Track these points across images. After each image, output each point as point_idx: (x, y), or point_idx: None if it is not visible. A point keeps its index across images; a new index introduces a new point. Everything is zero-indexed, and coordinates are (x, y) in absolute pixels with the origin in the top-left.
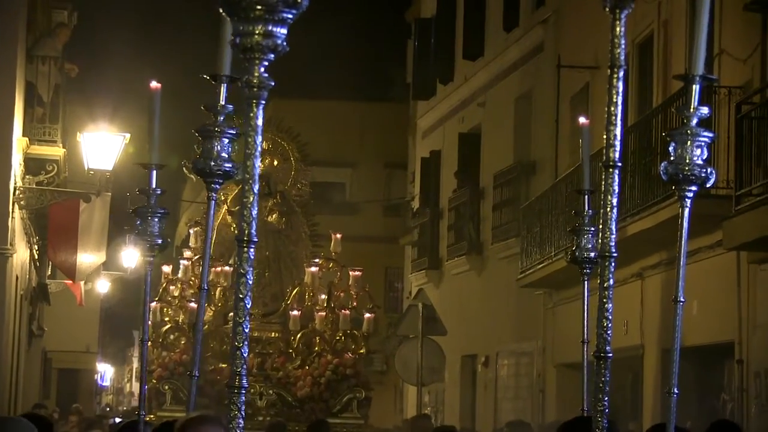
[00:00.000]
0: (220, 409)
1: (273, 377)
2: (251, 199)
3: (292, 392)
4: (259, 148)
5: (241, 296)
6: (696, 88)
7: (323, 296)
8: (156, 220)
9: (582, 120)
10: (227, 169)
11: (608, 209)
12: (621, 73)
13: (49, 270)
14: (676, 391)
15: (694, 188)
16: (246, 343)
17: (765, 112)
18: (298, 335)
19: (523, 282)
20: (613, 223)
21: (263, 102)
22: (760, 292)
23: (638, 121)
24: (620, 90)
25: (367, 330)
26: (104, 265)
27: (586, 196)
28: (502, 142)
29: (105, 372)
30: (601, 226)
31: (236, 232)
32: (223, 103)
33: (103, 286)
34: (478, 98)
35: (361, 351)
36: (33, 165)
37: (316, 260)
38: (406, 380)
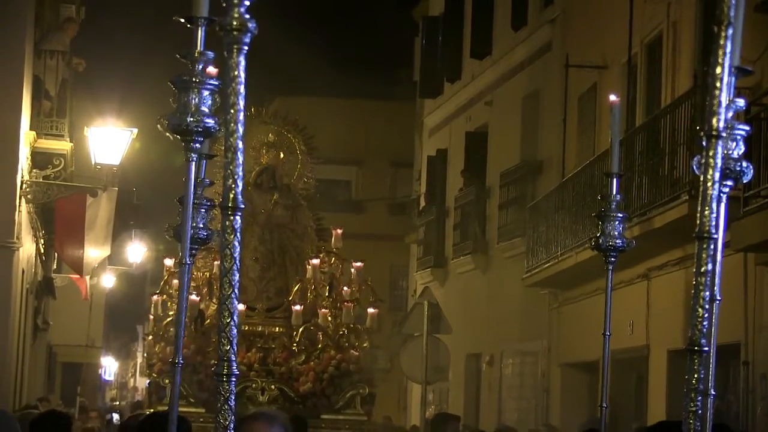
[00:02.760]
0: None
1: (275, 372)
2: (235, 161)
3: (295, 388)
4: (243, 102)
5: (227, 268)
6: (731, 80)
7: (326, 292)
8: (203, 211)
9: (612, 98)
10: (208, 125)
11: (709, 185)
12: (730, 32)
13: (55, 264)
14: (713, 392)
15: (730, 183)
16: (235, 323)
17: None
18: (300, 330)
19: (529, 281)
20: (714, 201)
21: (245, 48)
22: (767, 293)
23: (646, 121)
24: (728, 51)
25: (370, 325)
26: (109, 259)
27: (615, 179)
28: (508, 141)
29: (109, 366)
30: (699, 204)
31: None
32: (202, 49)
33: (108, 280)
34: (485, 97)
35: (365, 345)
36: (40, 159)
37: (318, 254)
38: (411, 378)
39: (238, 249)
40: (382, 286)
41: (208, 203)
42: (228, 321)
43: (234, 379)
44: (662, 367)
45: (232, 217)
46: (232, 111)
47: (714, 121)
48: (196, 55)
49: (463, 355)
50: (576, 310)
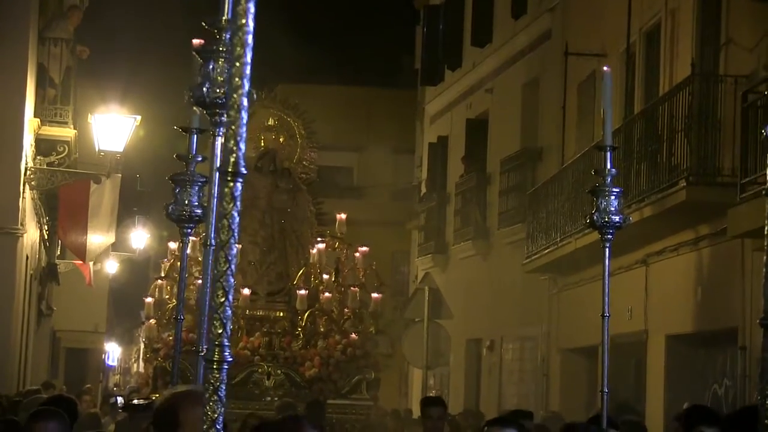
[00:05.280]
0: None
1: (280, 357)
2: (238, 120)
3: (300, 372)
4: (250, 51)
5: (223, 240)
6: None
7: (326, 276)
8: (196, 189)
9: (605, 68)
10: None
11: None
12: None
13: (59, 250)
14: None
15: None
16: (229, 302)
17: None
18: (306, 315)
19: (529, 267)
20: None
21: None
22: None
23: (644, 108)
24: None
25: (374, 310)
26: (113, 246)
27: (608, 152)
28: (509, 129)
29: (112, 352)
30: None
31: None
32: (229, 17)
33: (111, 266)
34: (485, 85)
35: (371, 330)
36: (44, 146)
37: (323, 238)
38: (413, 363)
39: (237, 219)
40: (383, 271)
41: (202, 180)
42: (222, 300)
43: (225, 367)
44: (660, 352)
45: (231, 184)
46: (237, 64)
47: None
48: (223, 23)
49: (463, 340)
50: (575, 295)
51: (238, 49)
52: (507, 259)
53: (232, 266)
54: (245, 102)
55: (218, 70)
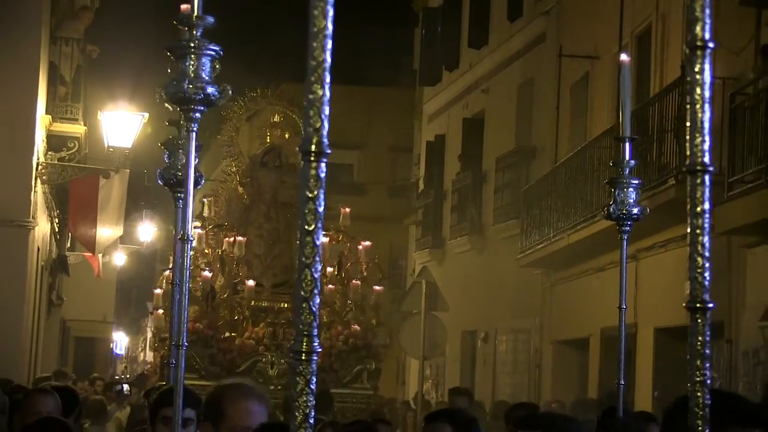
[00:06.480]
0: (231, 378)
1: (284, 347)
2: (322, 96)
3: None
4: (331, 23)
5: (309, 229)
6: None
7: (330, 268)
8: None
9: (623, 57)
10: (209, 92)
11: (698, 106)
12: None
13: (69, 242)
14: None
15: None
16: (317, 292)
17: (757, 103)
18: None
19: (523, 262)
20: (706, 123)
21: None
22: (750, 275)
23: (635, 109)
24: None
25: (376, 302)
26: (121, 238)
27: (627, 143)
28: (504, 128)
29: (120, 341)
30: (688, 131)
31: (245, 200)
32: (200, 13)
33: (119, 258)
34: (482, 85)
35: (373, 321)
36: (55, 142)
37: (327, 232)
38: (410, 354)
39: (323, 205)
40: (382, 265)
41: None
42: (311, 288)
43: (316, 357)
44: (649, 344)
45: (316, 164)
46: (319, 36)
47: (698, 29)
48: (194, 19)
49: (459, 331)
50: (568, 289)
51: (321, 20)
52: (501, 253)
53: (320, 252)
54: (328, 78)
55: (191, 66)
